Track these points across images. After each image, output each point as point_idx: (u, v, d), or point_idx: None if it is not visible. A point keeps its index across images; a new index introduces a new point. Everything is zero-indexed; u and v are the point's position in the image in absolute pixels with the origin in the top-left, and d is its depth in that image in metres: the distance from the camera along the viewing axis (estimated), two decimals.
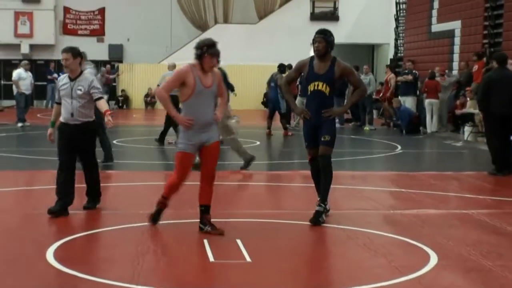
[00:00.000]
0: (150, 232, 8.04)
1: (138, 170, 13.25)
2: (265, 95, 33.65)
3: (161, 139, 17.21)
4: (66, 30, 36.23)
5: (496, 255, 7.12)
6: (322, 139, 8.43)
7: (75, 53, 8.84)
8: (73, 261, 6.85)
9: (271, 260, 6.94)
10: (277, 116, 20.76)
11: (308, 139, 8.67)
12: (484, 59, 20.96)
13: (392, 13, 32.11)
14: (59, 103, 8.95)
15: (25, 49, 35.31)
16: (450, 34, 25.67)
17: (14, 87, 23.60)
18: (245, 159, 13.07)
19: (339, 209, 9.30)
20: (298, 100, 19.57)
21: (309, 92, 8.52)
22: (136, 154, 16.37)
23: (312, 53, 8.73)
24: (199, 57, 7.81)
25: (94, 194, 9.21)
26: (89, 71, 13.27)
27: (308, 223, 8.36)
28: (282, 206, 10.11)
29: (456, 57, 24.95)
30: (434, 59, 25.79)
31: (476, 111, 18.13)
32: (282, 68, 21.07)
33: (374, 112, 26.02)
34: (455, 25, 25.33)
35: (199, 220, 7.94)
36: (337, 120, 18.59)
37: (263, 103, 34.02)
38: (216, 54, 7.79)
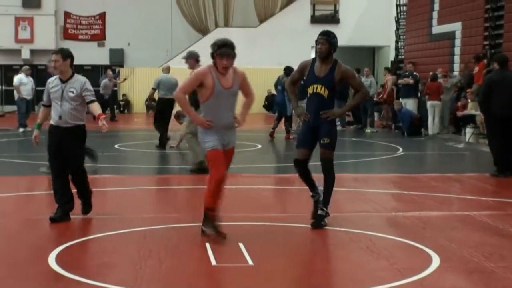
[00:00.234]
0: (152, 236, 8.03)
1: (140, 175, 13.24)
2: (267, 98, 33.72)
3: (161, 144, 17.16)
4: (66, 35, 36.26)
5: (499, 256, 7.11)
6: (322, 141, 8.40)
7: (65, 55, 8.63)
8: (75, 265, 6.85)
9: (273, 264, 6.93)
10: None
11: (302, 139, 8.60)
12: (485, 60, 20.96)
13: (392, 15, 32.10)
14: (47, 106, 8.76)
15: (25, 54, 35.34)
16: (450, 35, 25.67)
17: (15, 92, 23.64)
18: (194, 163, 13.06)
19: (341, 212, 9.29)
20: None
21: (308, 95, 8.50)
22: (138, 159, 16.36)
23: (313, 55, 8.69)
24: (212, 57, 7.64)
25: (85, 199, 8.95)
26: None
27: (310, 226, 8.35)
28: (284, 209, 10.10)
29: (457, 58, 24.95)
30: (435, 61, 25.79)
31: (478, 112, 18.13)
32: (288, 71, 21.04)
33: (376, 114, 26.04)
34: (456, 27, 25.33)
35: (201, 222, 7.89)
36: (338, 123, 18.51)
37: (264, 106, 34.06)
38: (225, 55, 7.53)
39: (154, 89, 17.61)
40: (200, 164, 12.95)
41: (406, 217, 9.15)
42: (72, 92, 8.56)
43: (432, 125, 21.97)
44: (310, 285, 6.35)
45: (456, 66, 24.60)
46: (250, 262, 6.82)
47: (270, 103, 32.56)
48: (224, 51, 7.53)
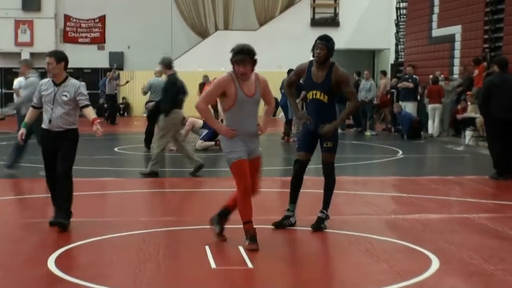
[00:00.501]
0: (151, 239, 8.03)
1: (139, 178, 13.22)
2: None
3: (146, 145, 17.39)
4: (66, 38, 36.26)
5: (498, 259, 7.11)
6: (325, 145, 8.41)
7: (59, 58, 8.39)
8: (74, 268, 6.86)
9: (273, 266, 6.93)
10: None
11: (303, 141, 8.60)
12: (485, 63, 20.97)
13: (392, 18, 32.13)
14: (36, 107, 8.54)
15: (25, 57, 35.28)
16: (450, 38, 25.69)
17: (14, 95, 23.60)
18: (195, 165, 13.26)
19: (341, 215, 9.30)
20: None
21: (308, 99, 8.50)
22: (137, 162, 16.36)
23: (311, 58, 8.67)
24: (231, 63, 7.47)
25: (65, 208, 8.38)
26: (32, 80, 13.36)
27: (309, 228, 8.36)
28: (284, 212, 10.09)
29: (456, 61, 24.97)
30: (434, 64, 25.81)
31: (477, 115, 18.14)
32: None
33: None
34: (456, 30, 25.35)
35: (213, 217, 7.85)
36: None
37: None
38: (240, 62, 7.32)
39: (145, 93, 17.73)
40: (198, 168, 13.04)
41: (406, 219, 9.15)
42: (66, 96, 8.35)
43: (432, 127, 22.00)
44: None
45: (456, 69, 24.63)
46: (250, 265, 6.82)
47: None
48: (239, 57, 7.34)
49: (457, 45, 25.25)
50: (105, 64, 35.53)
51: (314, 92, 8.36)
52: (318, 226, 8.35)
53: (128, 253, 7.38)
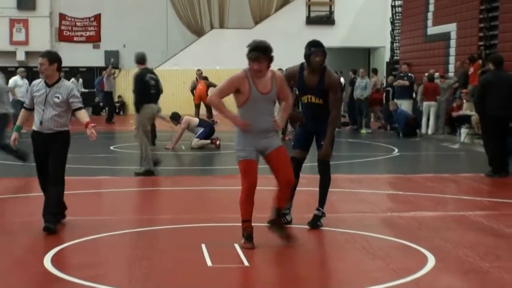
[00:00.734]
0: (147, 237, 8.03)
1: (135, 176, 13.19)
2: None
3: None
4: (62, 36, 36.21)
5: (494, 256, 7.12)
6: (322, 143, 8.42)
7: (52, 59, 8.17)
8: (70, 267, 6.86)
9: (269, 264, 6.93)
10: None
11: (299, 139, 8.60)
12: (480, 61, 20.99)
13: (388, 16, 32.13)
14: (28, 109, 8.36)
15: (20, 56, 35.28)
16: (445, 36, 25.70)
17: (10, 94, 23.61)
18: (146, 167, 13.09)
19: (336, 212, 9.31)
20: None
21: (303, 102, 8.48)
22: (133, 160, 16.33)
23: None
24: (247, 60, 7.35)
25: (53, 211, 8.23)
26: None
27: (306, 226, 8.37)
28: None
29: (452, 59, 24.98)
30: (430, 62, 25.82)
31: (473, 113, 18.16)
32: None
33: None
34: (451, 28, 25.36)
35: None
36: None
37: None
38: (255, 58, 7.20)
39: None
40: (147, 172, 12.98)
41: (402, 217, 9.16)
42: (58, 97, 8.15)
43: (426, 125, 22.03)
44: (306, 286, 6.35)
45: (451, 67, 24.64)
46: (246, 263, 6.83)
47: None
48: (253, 54, 7.22)
49: (452, 43, 25.27)
50: (101, 63, 35.48)
51: (309, 96, 8.35)
52: (315, 223, 8.36)
53: (124, 252, 7.38)
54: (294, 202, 8.57)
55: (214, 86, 25.80)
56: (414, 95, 23.78)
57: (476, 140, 18.84)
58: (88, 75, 34.57)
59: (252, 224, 7.46)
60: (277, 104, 7.65)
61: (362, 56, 37.06)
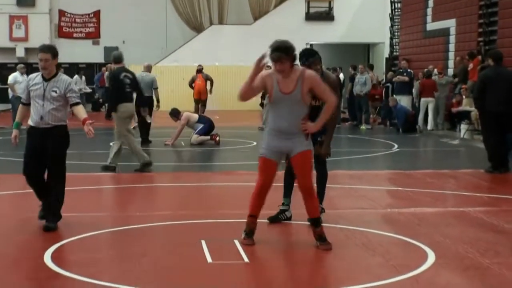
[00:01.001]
0: (148, 233, 8.03)
1: (133, 172, 13.20)
2: (263, 96, 33.64)
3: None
4: (61, 33, 36.19)
5: (494, 252, 7.13)
6: (319, 139, 8.43)
7: (55, 54, 8.08)
8: (71, 263, 6.86)
9: (269, 260, 6.94)
10: None
11: None
12: (479, 57, 20.99)
13: (387, 12, 32.13)
14: (26, 104, 8.24)
15: (20, 52, 35.26)
16: (445, 32, 25.69)
17: (9, 90, 23.62)
18: (143, 163, 13.09)
19: (336, 209, 9.31)
20: None
21: None
22: (132, 156, 16.33)
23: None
24: None
25: (53, 209, 8.21)
26: None
27: (306, 222, 8.36)
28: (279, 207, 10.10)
29: (451, 55, 24.98)
30: (429, 57, 25.83)
31: (472, 109, 18.16)
32: None
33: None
34: (450, 24, 25.35)
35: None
36: None
37: (261, 104, 33.98)
38: (273, 59, 7.09)
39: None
40: (144, 165, 12.97)
41: (401, 213, 9.16)
42: (55, 91, 8.04)
43: (423, 121, 22.05)
44: (305, 282, 6.36)
45: (451, 63, 24.65)
46: (246, 259, 6.83)
47: None
48: (275, 55, 7.11)
49: (452, 38, 25.25)
50: (100, 59, 35.47)
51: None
52: None
53: (123, 248, 7.38)
54: (293, 198, 8.57)
55: (211, 80, 25.80)
56: (413, 91, 23.78)
57: (475, 136, 18.84)
58: (88, 71, 34.55)
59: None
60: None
61: (362, 52, 37.05)
